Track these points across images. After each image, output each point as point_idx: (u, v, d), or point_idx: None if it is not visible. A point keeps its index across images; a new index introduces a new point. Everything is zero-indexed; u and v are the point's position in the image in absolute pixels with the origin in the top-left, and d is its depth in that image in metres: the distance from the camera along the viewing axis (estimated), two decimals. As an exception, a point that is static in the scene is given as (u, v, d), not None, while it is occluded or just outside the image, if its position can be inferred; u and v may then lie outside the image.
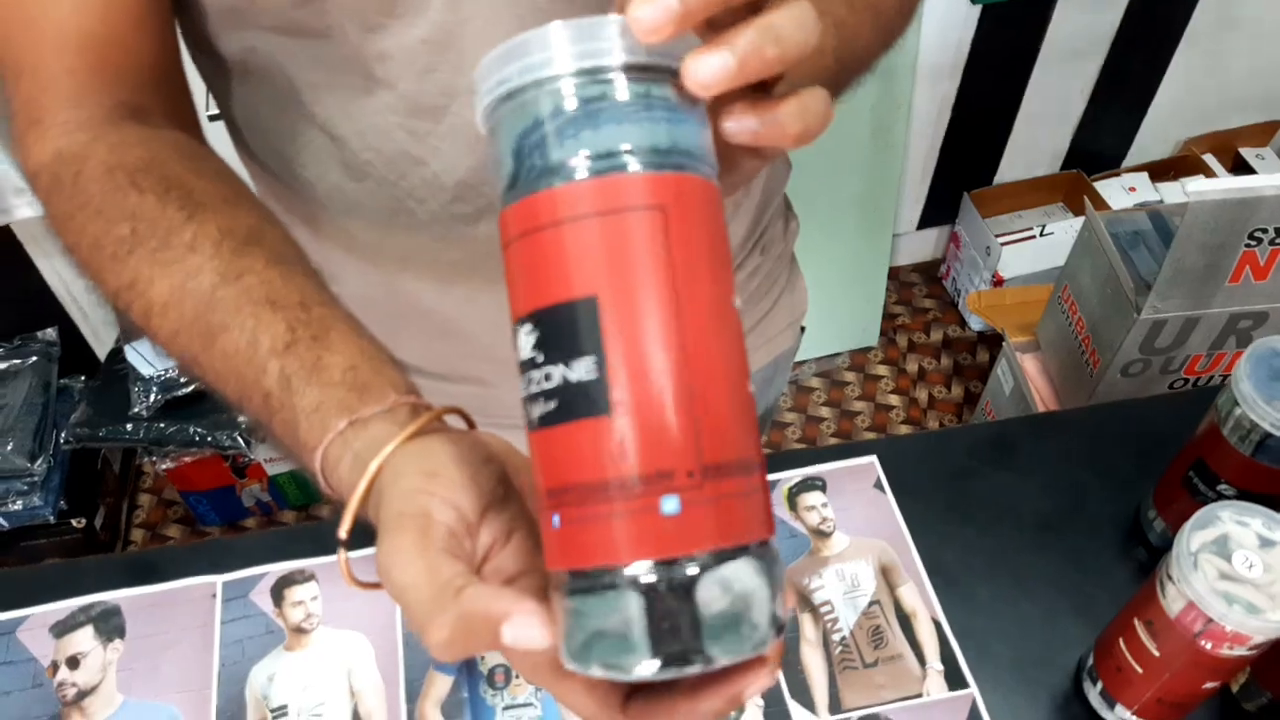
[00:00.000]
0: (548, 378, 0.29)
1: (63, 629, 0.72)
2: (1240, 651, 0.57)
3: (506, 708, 0.68)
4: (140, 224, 0.46)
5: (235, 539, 0.78)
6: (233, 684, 0.69)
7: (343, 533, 0.37)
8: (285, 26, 0.53)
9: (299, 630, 0.72)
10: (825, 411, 2.01)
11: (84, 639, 0.71)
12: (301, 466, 0.42)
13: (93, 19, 0.51)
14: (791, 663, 0.71)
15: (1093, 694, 0.67)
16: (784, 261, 0.84)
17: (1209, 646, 0.57)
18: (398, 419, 0.38)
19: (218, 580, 0.74)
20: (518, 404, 0.31)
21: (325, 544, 0.76)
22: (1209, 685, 0.61)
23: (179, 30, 0.57)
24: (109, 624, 0.72)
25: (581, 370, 0.28)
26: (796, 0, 0.31)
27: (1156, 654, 0.60)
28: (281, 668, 0.70)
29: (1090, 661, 0.68)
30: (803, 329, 0.90)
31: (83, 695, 0.69)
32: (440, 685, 0.69)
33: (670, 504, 0.28)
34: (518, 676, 0.69)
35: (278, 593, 0.74)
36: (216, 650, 0.71)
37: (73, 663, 0.70)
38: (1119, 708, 0.65)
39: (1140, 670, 0.62)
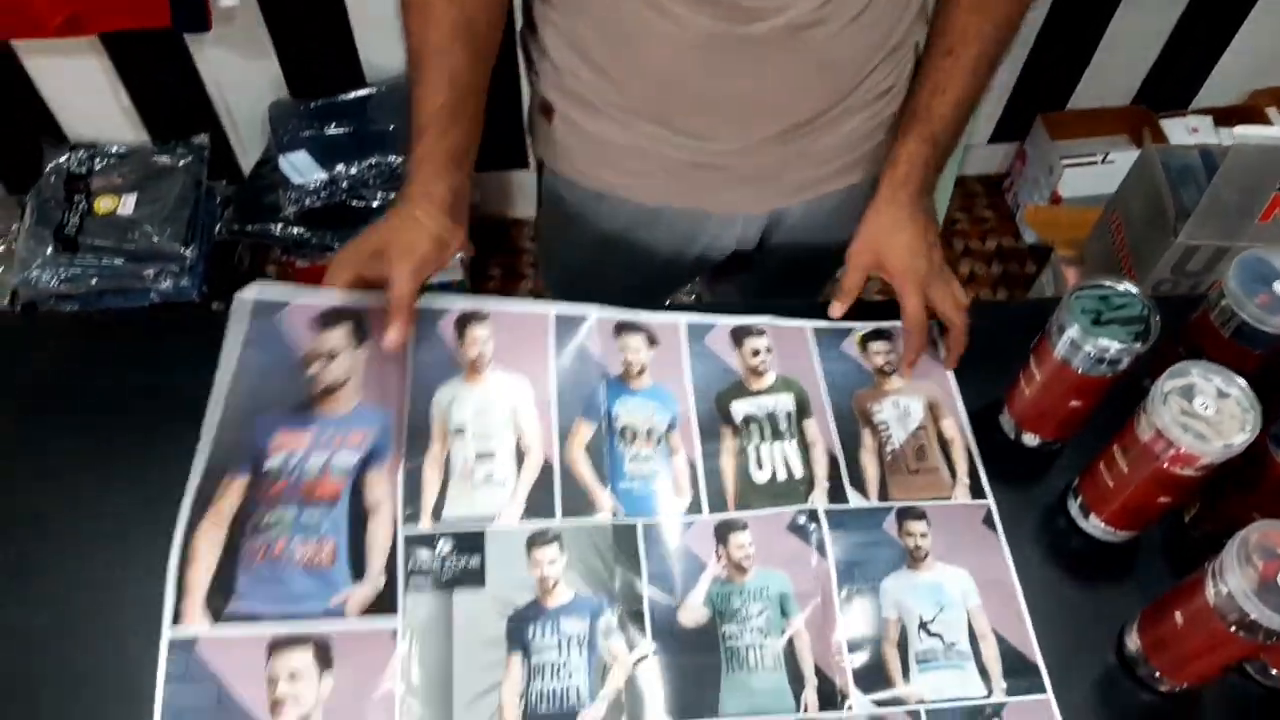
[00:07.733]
0: None
1: (324, 323, 0.85)
2: (1189, 472, 0.76)
3: (633, 459, 0.87)
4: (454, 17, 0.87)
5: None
6: (422, 399, 0.85)
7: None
8: None
9: (474, 367, 0.88)
10: (877, 300, 2.19)
11: (337, 337, 0.85)
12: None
13: None
14: (853, 463, 0.89)
15: (1073, 506, 0.87)
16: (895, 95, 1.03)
17: (1166, 465, 0.77)
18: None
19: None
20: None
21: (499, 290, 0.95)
22: (1163, 500, 0.80)
23: None
24: (361, 327, 0.86)
25: None
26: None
27: (1126, 470, 0.80)
28: (461, 394, 0.86)
29: (1076, 482, 0.88)
30: None
31: (329, 391, 0.83)
32: (585, 430, 0.87)
33: None
34: (647, 435, 0.88)
35: (460, 327, 0.90)
36: (410, 370, 0.86)
37: (330, 356, 0.83)
38: (1092, 516, 0.85)
39: (1112, 485, 0.82)
